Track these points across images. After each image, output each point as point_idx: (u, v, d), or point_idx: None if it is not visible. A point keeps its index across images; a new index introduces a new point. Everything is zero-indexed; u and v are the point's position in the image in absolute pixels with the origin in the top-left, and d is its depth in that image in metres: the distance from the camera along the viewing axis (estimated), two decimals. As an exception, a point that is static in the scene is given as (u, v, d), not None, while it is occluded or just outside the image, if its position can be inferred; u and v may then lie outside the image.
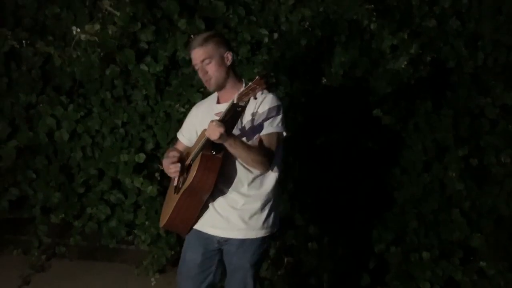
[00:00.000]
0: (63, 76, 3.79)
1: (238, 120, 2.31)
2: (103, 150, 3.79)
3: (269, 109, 2.39)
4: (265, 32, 3.59)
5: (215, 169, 2.34)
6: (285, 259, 3.65)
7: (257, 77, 2.15)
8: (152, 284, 3.71)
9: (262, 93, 2.21)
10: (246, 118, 2.41)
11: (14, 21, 3.84)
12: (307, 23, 3.52)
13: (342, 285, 3.62)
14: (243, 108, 2.22)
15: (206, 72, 2.45)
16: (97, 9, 3.68)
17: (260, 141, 2.37)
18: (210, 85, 2.48)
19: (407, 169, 3.58)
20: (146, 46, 3.66)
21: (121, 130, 3.75)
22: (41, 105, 3.79)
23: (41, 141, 3.80)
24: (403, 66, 3.44)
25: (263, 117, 2.38)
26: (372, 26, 3.48)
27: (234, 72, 2.52)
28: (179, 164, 2.50)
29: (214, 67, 2.44)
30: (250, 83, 2.16)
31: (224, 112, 2.23)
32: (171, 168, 2.52)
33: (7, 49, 3.79)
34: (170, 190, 2.66)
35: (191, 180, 2.34)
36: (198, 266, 2.56)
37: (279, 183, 2.52)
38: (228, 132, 2.22)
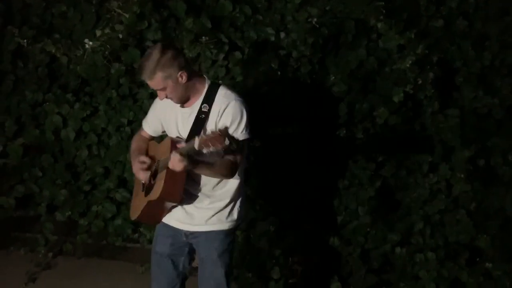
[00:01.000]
0: (70, 74, 3.80)
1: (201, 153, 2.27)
2: (109, 149, 3.80)
3: (232, 118, 2.38)
4: (271, 31, 3.58)
5: (181, 181, 2.43)
6: (290, 259, 3.65)
7: (218, 131, 2.12)
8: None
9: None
10: (210, 128, 2.39)
11: (21, 19, 3.85)
12: (314, 20, 3.49)
13: (347, 286, 3.61)
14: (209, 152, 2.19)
15: (165, 96, 2.42)
16: (105, 10, 3.68)
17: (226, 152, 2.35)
18: (174, 102, 2.47)
19: (413, 170, 3.57)
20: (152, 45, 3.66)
21: (127, 129, 3.75)
22: (47, 103, 3.80)
23: (48, 139, 3.81)
24: (409, 66, 3.42)
25: (226, 125, 2.34)
26: (379, 26, 3.47)
27: (193, 80, 2.43)
28: (149, 172, 2.56)
29: (170, 91, 2.40)
30: (211, 134, 2.10)
31: (186, 149, 2.24)
32: (141, 175, 2.58)
33: (14, 47, 3.81)
34: (138, 184, 2.73)
35: (158, 194, 2.42)
36: (168, 257, 2.65)
37: (243, 179, 2.59)
38: (190, 164, 2.26)
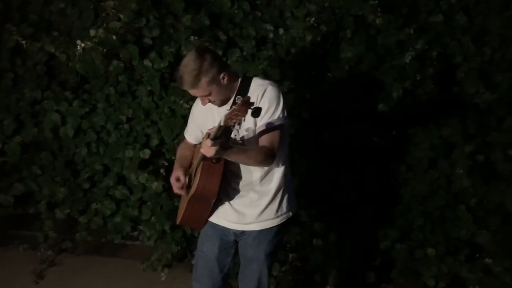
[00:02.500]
0: (68, 72, 3.79)
1: (231, 133, 2.29)
2: (108, 146, 3.80)
3: (269, 103, 2.36)
4: (270, 27, 3.58)
5: (217, 176, 2.39)
6: (290, 256, 3.65)
7: (239, 102, 2.10)
8: (162, 279, 3.71)
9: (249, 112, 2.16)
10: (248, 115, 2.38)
11: (20, 17, 3.85)
12: (312, 20, 3.49)
13: (347, 282, 3.61)
14: (233, 127, 2.19)
15: (209, 100, 2.40)
16: (101, 9, 3.68)
17: (262, 138, 2.37)
18: (216, 105, 2.45)
19: (413, 166, 3.56)
20: (150, 42, 3.65)
21: (126, 126, 3.75)
22: (46, 101, 3.80)
23: (47, 137, 3.81)
24: (409, 61, 3.41)
25: (264, 111, 2.34)
26: (378, 21, 3.46)
27: (231, 78, 2.43)
28: (184, 190, 2.55)
29: (215, 95, 2.38)
30: (234, 107, 2.09)
31: (214, 131, 2.20)
32: (177, 191, 2.58)
33: (13, 45, 3.80)
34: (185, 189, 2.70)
35: (195, 189, 2.40)
36: (216, 258, 2.63)
37: (289, 169, 2.56)
38: (222, 148, 2.21)
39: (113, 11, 3.61)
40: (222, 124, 2.12)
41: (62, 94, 3.79)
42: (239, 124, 2.24)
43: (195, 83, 2.31)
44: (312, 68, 3.59)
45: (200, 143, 2.61)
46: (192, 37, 3.49)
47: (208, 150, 2.18)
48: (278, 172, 2.50)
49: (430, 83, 3.46)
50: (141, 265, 3.81)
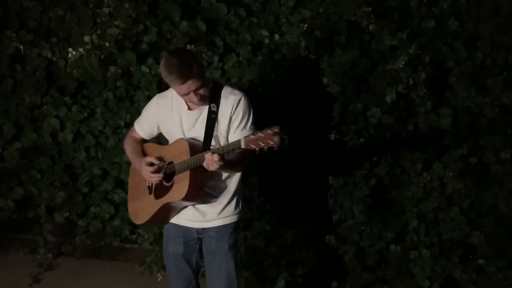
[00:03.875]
0: (67, 77, 3.84)
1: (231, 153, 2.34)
2: (106, 150, 3.84)
3: (243, 113, 2.50)
4: (266, 33, 3.62)
5: (204, 183, 2.49)
6: (285, 258, 3.68)
7: (270, 132, 2.13)
8: (159, 279, 3.74)
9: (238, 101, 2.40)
10: (223, 121, 2.49)
11: (19, 23, 3.89)
12: (306, 26, 3.54)
13: (343, 283, 3.65)
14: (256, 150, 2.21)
15: (201, 96, 2.45)
16: (96, 16, 3.72)
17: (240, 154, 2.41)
18: (202, 104, 2.49)
19: (406, 169, 3.61)
20: (148, 48, 3.70)
21: (124, 131, 3.78)
22: (45, 106, 3.84)
23: (46, 142, 3.85)
24: (402, 66, 3.46)
25: (238, 122, 2.49)
26: (371, 27, 3.51)
27: (208, 79, 2.54)
28: (161, 175, 2.59)
29: (206, 87, 2.46)
30: (262, 135, 2.12)
31: (224, 148, 2.30)
32: (153, 177, 2.60)
33: (12, 51, 3.84)
34: (137, 187, 2.74)
35: (183, 195, 2.45)
36: (182, 256, 2.71)
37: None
38: (225, 164, 2.33)
39: (107, 18, 3.65)
40: (242, 146, 2.18)
41: (61, 99, 3.83)
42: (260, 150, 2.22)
43: (190, 71, 2.36)
44: (307, 73, 3.63)
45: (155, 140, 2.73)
46: (188, 46, 3.54)
47: (214, 164, 2.30)
48: (237, 174, 2.63)
49: (423, 87, 3.50)
50: (139, 268, 3.85)
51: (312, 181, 3.65)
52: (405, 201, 3.61)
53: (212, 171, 2.41)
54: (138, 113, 3.73)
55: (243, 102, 2.50)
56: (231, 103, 2.49)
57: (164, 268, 3.76)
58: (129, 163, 3.72)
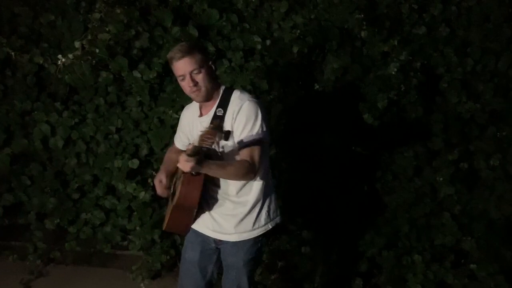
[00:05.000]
0: (58, 83, 3.82)
1: (208, 149, 2.31)
2: (97, 156, 3.82)
3: (247, 118, 2.39)
4: (258, 39, 3.63)
5: (197, 188, 2.43)
6: (279, 264, 3.68)
7: (209, 126, 2.22)
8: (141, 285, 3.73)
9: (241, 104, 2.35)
10: (228, 125, 2.42)
11: (10, 29, 3.87)
12: (298, 32, 3.55)
13: (335, 289, 3.65)
14: (205, 148, 2.24)
15: (196, 83, 2.40)
16: (88, 20, 3.71)
17: (242, 152, 2.39)
18: (199, 96, 2.44)
19: (398, 174, 3.62)
20: (139, 54, 3.69)
21: (115, 136, 3.78)
22: (36, 112, 3.82)
23: (36, 148, 3.83)
24: (393, 72, 3.48)
25: (242, 127, 2.39)
26: (363, 34, 3.53)
27: (215, 79, 2.51)
28: (168, 190, 2.60)
29: (205, 77, 2.41)
30: (206, 129, 2.21)
31: (191, 149, 2.25)
32: (161, 193, 2.62)
33: (2, 57, 3.82)
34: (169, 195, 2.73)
35: (176, 199, 2.45)
36: (197, 264, 2.66)
37: (270, 182, 2.59)
38: (199, 164, 2.26)
39: (99, 23, 3.65)
40: (196, 144, 2.22)
41: (52, 105, 3.81)
42: (212, 145, 2.27)
43: (191, 51, 2.37)
44: (299, 79, 3.65)
45: None
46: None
47: (184, 165, 2.25)
48: (256, 185, 2.52)
49: (414, 93, 3.52)
50: (131, 275, 3.83)
51: (304, 187, 3.65)
52: (397, 206, 3.62)
53: (211, 176, 2.39)
54: (129, 118, 3.76)
55: (246, 106, 2.40)
56: (235, 107, 2.42)
57: (154, 276, 3.80)
58: (119, 169, 3.76)
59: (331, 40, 3.57)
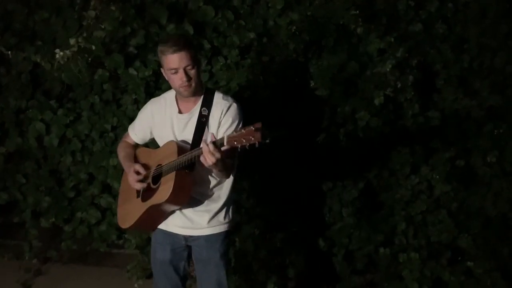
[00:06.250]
0: (53, 80, 3.79)
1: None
2: (93, 154, 3.80)
3: (233, 120, 2.49)
4: (254, 36, 3.62)
5: (189, 185, 2.46)
6: (275, 262, 3.67)
7: (252, 127, 2.08)
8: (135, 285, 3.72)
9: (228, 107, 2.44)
10: (213, 126, 2.49)
11: (4, 26, 3.84)
12: (294, 28, 3.54)
13: (332, 287, 3.64)
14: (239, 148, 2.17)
15: (190, 78, 2.44)
16: (83, 19, 3.69)
17: (227, 153, 2.36)
18: (187, 91, 2.47)
19: (395, 171, 3.62)
20: (135, 51, 3.67)
21: (111, 134, 3.76)
22: (30, 110, 3.79)
23: (31, 146, 3.80)
24: (390, 69, 3.47)
25: (227, 126, 2.48)
26: (359, 31, 3.52)
27: (201, 82, 2.56)
28: (145, 183, 2.57)
29: (197, 73, 2.46)
30: (244, 131, 2.09)
31: (223, 144, 2.21)
32: (137, 185, 2.59)
33: (-3, 54, 3.81)
34: (126, 191, 2.71)
35: (167, 196, 2.42)
36: (170, 264, 2.69)
37: (236, 179, 2.64)
38: (221, 160, 2.26)
39: (95, 20, 3.62)
40: (224, 143, 2.16)
41: (47, 103, 3.79)
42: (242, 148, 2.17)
43: (186, 44, 2.40)
44: (295, 76, 3.63)
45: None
46: None
47: (211, 158, 2.22)
48: (228, 183, 2.60)
49: (411, 90, 3.51)
50: (127, 274, 3.81)
51: (301, 184, 3.64)
52: (393, 204, 3.62)
53: (200, 174, 2.40)
54: (125, 116, 3.73)
55: (233, 108, 2.51)
56: (221, 108, 2.50)
57: (150, 276, 3.77)
58: (115, 167, 3.74)
59: (327, 36, 3.56)
